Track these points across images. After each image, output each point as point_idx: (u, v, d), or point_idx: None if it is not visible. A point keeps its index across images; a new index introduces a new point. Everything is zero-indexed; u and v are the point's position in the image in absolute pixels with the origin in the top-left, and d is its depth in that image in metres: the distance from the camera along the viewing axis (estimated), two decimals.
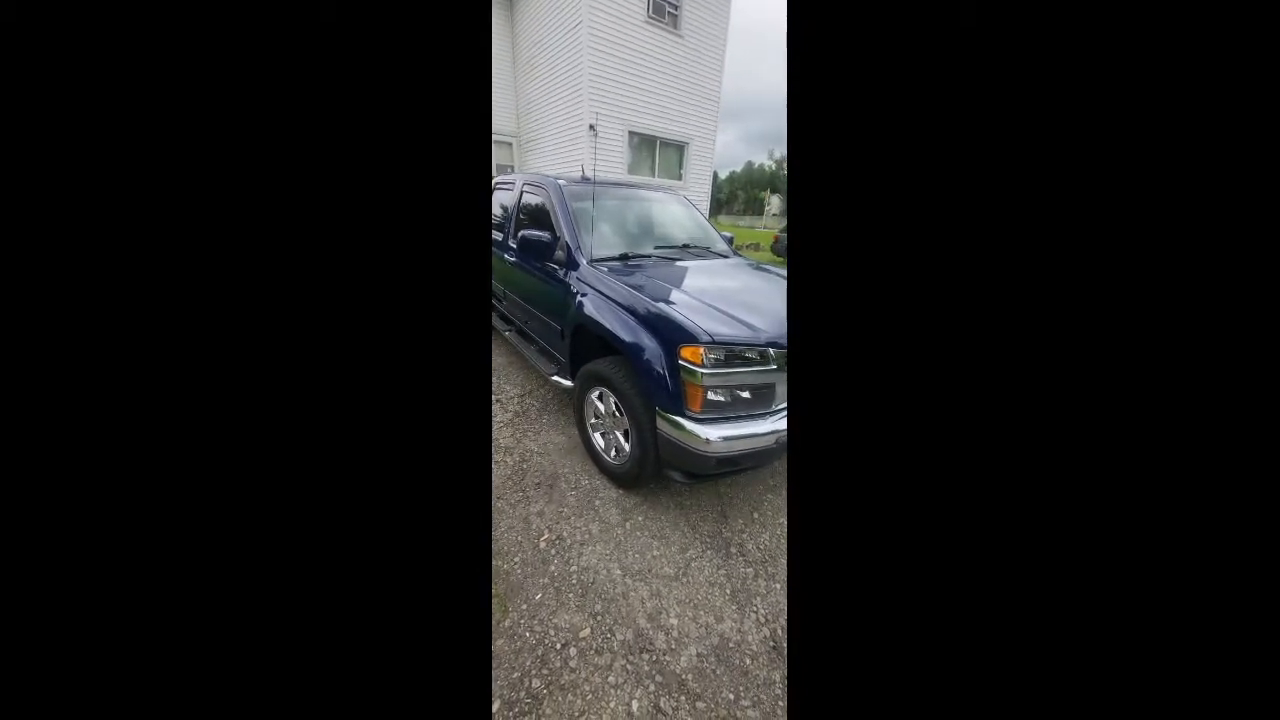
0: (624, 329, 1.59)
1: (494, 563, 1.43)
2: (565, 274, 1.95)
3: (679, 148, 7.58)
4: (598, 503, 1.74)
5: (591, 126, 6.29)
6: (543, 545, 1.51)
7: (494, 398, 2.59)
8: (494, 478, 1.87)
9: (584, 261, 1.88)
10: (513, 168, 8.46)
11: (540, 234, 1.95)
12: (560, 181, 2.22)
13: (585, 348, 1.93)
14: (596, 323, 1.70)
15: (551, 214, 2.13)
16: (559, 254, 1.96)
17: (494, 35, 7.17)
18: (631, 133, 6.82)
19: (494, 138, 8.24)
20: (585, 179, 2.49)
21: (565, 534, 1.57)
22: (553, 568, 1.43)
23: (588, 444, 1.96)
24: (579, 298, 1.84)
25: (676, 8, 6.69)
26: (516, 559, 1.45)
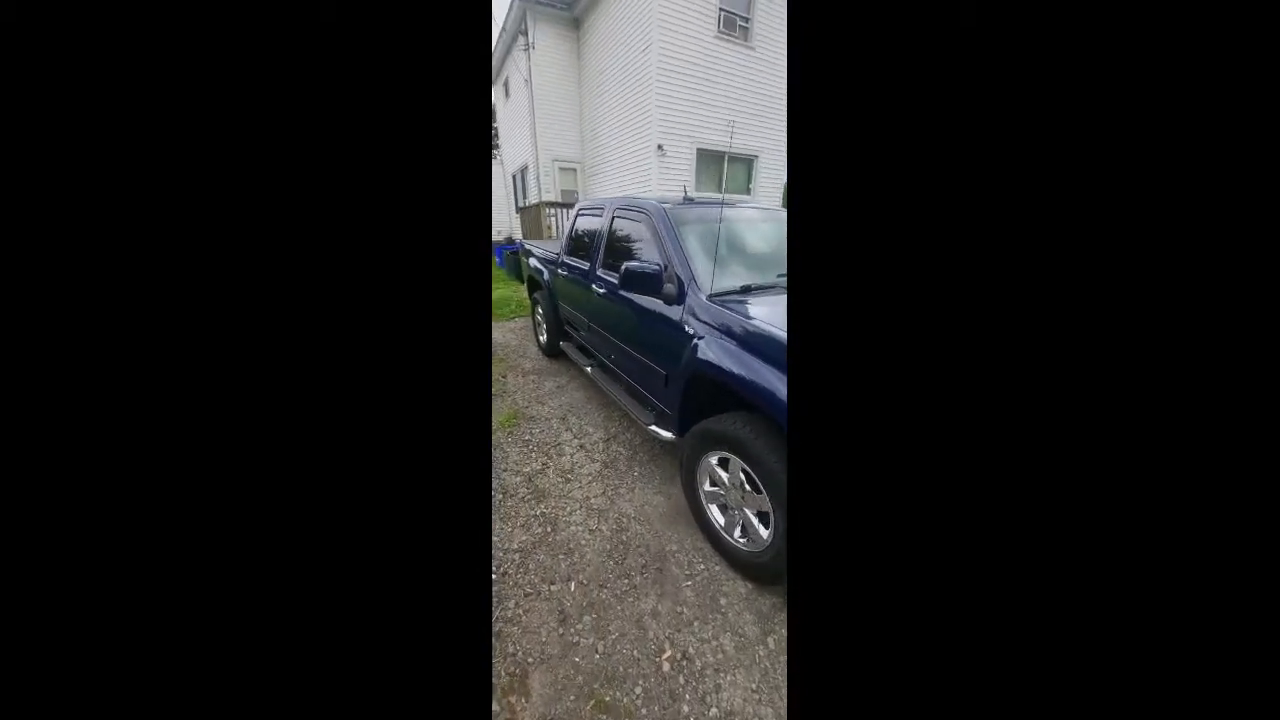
0: (764, 380, 1.24)
1: (609, 693, 1.10)
2: (678, 311, 1.65)
3: (748, 161, 7.24)
4: (724, 601, 1.38)
5: (660, 147, 6.15)
6: (667, 668, 1.17)
7: (578, 441, 2.34)
8: (591, 551, 1.57)
9: (702, 296, 1.56)
10: (578, 193, 8.59)
11: (648, 265, 1.67)
12: (664, 205, 1.95)
13: (701, 398, 1.60)
14: (723, 371, 1.37)
15: (656, 241, 1.86)
16: (668, 288, 1.67)
17: (561, 65, 7.33)
18: (700, 149, 6.60)
19: (560, 165, 8.45)
20: (688, 199, 2.21)
21: (692, 650, 1.22)
22: (686, 709, 1.07)
23: (700, 517, 1.61)
24: (695, 340, 1.53)
25: (748, 20, 6.45)
26: (638, 689, 1.11)
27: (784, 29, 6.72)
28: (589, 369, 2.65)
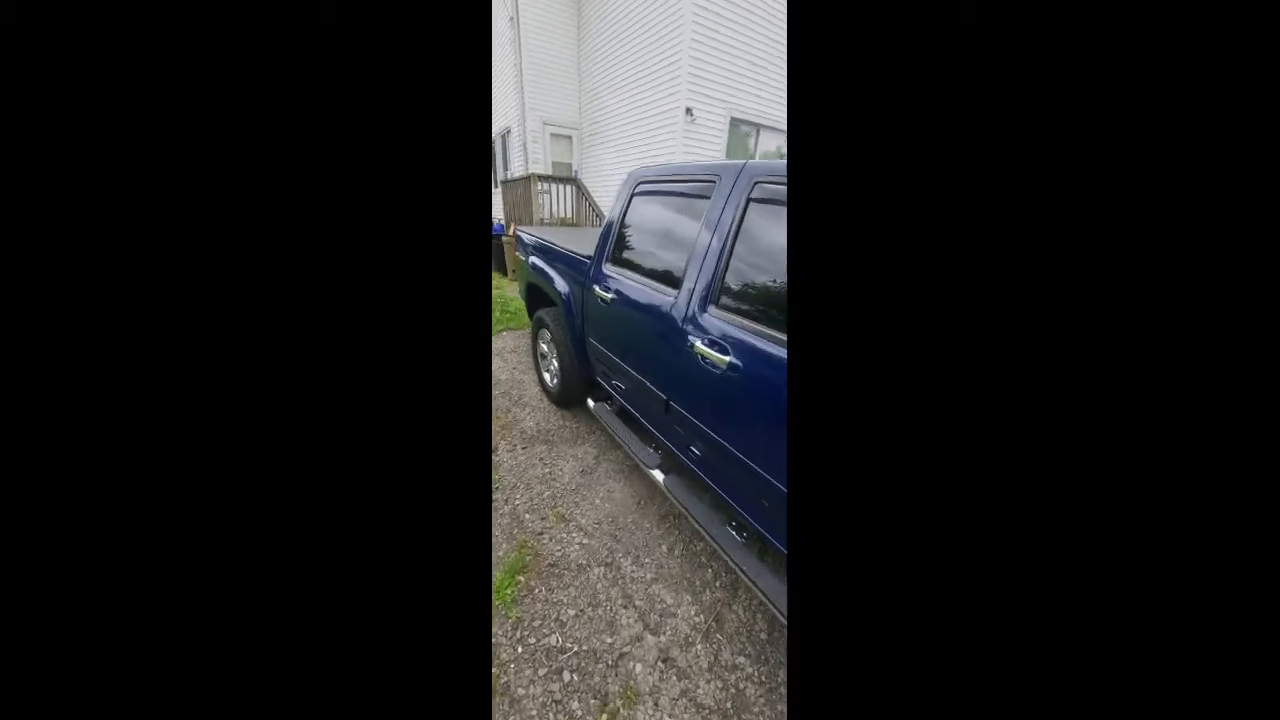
0: None
1: None
2: None
3: (782, 135, 6.08)
4: None
5: (689, 111, 4.89)
6: None
7: (654, 639, 1.22)
8: None
9: None
10: (574, 167, 7.19)
11: None
12: None
13: None
14: None
15: None
16: None
17: (552, 18, 5.91)
18: (734, 120, 5.37)
19: (552, 131, 7.02)
20: None
21: None
22: None
23: None
24: None
25: None
26: None
27: None
28: (660, 476, 1.50)
